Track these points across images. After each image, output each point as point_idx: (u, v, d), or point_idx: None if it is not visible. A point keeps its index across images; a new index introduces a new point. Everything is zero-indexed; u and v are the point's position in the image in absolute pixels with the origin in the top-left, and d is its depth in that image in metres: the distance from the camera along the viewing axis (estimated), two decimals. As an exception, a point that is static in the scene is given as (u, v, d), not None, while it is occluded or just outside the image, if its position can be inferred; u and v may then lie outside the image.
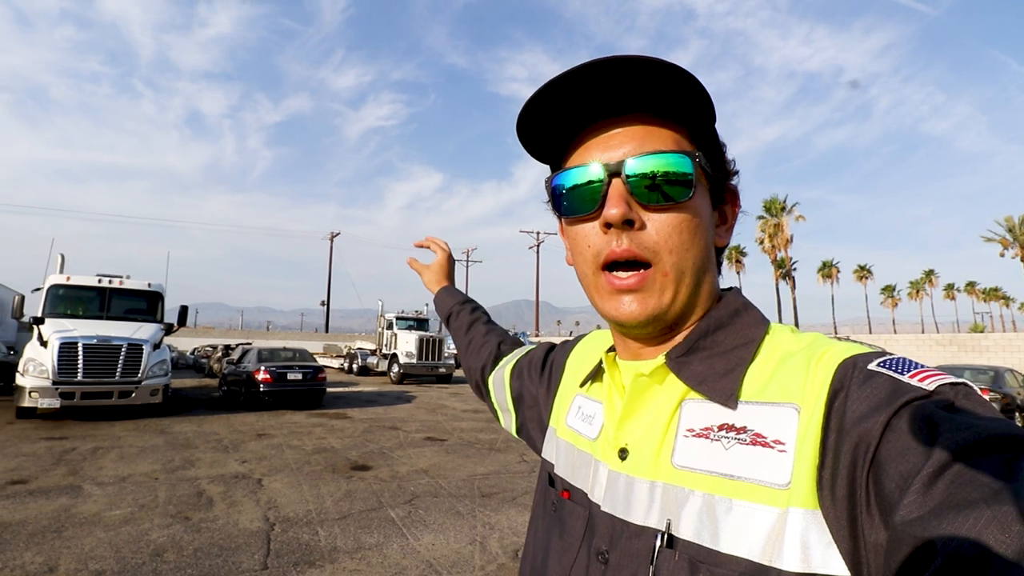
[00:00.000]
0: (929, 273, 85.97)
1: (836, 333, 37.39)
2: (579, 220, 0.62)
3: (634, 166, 0.57)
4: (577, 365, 0.82)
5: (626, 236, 0.57)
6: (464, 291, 1.65)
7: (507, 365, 1.01)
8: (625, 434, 0.61)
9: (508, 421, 1.00)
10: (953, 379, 0.46)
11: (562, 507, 0.68)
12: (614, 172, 0.58)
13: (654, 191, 0.57)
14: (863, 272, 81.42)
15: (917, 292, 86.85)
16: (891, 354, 0.51)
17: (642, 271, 0.58)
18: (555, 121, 0.62)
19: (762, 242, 48.96)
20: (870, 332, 43.10)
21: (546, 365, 0.91)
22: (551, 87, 0.58)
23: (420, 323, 24.50)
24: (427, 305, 25.11)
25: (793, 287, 49.62)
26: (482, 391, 1.10)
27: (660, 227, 0.57)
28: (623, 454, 0.60)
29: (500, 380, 1.01)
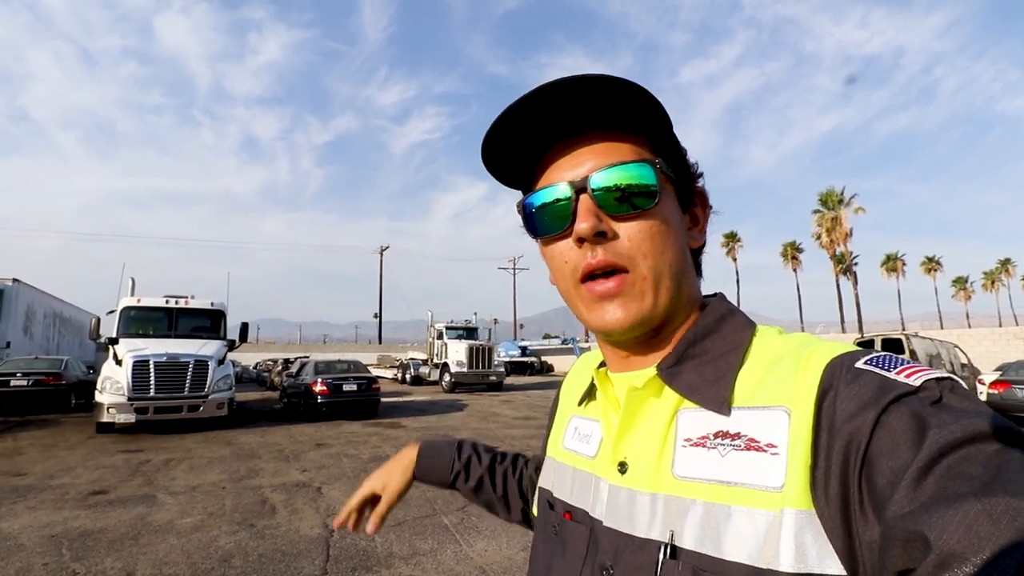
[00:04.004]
0: (1005, 262, 79.89)
1: (904, 329, 35.53)
2: (554, 239, 0.64)
3: (598, 180, 0.59)
4: (571, 388, 0.82)
5: (600, 248, 0.59)
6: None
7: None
8: (623, 448, 0.61)
9: None
10: (939, 374, 0.47)
11: (563, 528, 0.67)
12: (580, 188, 0.59)
13: (622, 202, 0.58)
14: (931, 264, 76.56)
15: (992, 283, 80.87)
16: (879, 352, 0.51)
17: (621, 275, 0.59)
18: (519, 148, 0.64)
19: (819, 237, 46.97)
20: (941, 327, 40.70)
21: (552, 414, 0.89)
22: (508, 116, 0.59)
23: (470, 332, 24.76)
24: (475, 314, 25.34)
25: (855, 283, 47.38)
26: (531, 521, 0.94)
27: (632, 235, 0.59)
28: (622, 468, 0.60)
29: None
